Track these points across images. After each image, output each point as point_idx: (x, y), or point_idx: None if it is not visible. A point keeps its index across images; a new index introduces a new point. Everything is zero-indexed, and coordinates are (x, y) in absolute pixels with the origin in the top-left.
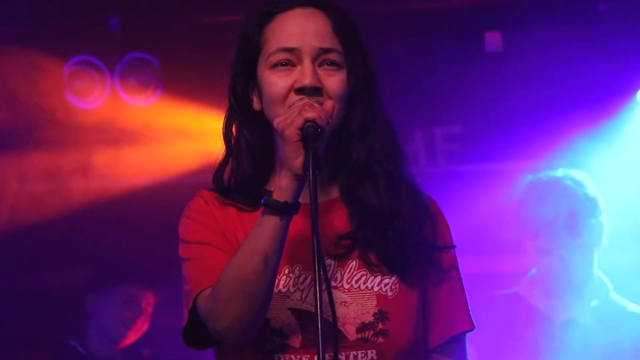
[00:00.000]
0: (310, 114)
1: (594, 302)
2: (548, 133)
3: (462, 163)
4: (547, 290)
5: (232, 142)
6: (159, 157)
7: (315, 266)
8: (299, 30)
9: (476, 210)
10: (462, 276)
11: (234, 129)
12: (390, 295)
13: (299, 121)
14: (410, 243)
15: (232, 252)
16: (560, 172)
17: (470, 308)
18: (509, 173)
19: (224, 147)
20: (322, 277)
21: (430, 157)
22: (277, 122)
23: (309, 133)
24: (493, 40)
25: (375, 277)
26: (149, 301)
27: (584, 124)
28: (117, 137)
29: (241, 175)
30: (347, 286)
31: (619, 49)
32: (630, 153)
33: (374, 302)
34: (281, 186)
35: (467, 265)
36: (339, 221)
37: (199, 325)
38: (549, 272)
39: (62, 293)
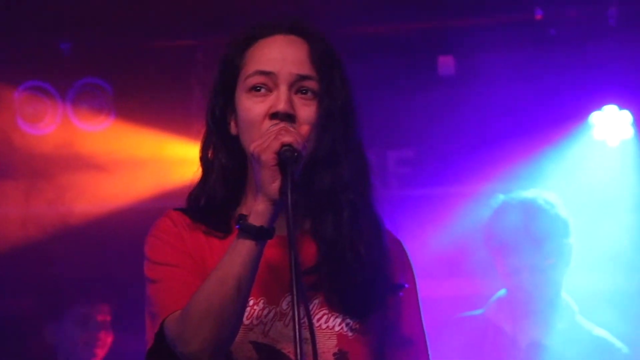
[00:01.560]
0: (287, 138)
1: (560, 325)
2: (501, 156)
3: (415, 186)
4: (514, 312)
5: (209, 165)
6: (113, 183)
7: (293, 290)
8: (278, 56)
9: (431, 234)
10: (424, 319)
11: (210, 152)
12: (351, 336)
13: (276, 145)
14: (367, 282)
15: (200, 275)
16: (532, 193)
17: (430, 353)
18: (462, 196)
19: (200, 169)
20: (301, 300)
21: (383, 180)
22: (253, 147)
23: (287, 157)
24: (446, 64)
25: (336, 317)
26: (104, 314)
27: (536, 147)
28: (69, 163)
29: (212, 198)
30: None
31: (570, 73)
32: (583, 176)
33: (334, 342)
34: (257, 211)
35: (431, 287)
36: (305, 255)
37: (164, 348)
38: (518, 293)
39: (14, 321)
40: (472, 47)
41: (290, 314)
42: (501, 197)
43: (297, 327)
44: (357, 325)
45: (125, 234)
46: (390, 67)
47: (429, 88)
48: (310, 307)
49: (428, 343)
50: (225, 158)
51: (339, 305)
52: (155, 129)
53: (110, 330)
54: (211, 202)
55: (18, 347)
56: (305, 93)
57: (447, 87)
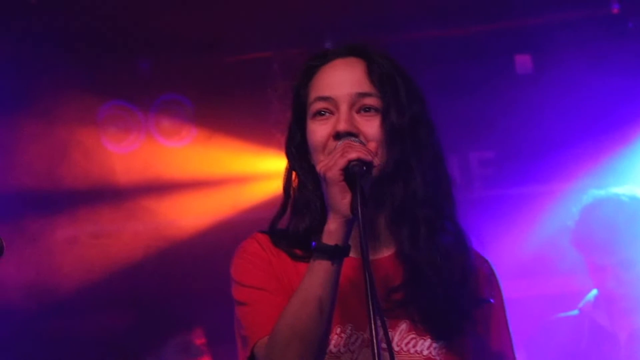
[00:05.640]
0: (352, 154)
1: None
2: (583, 153)
3: (498, 187)
4: (610, 309)
5: (293, 196)
6: (199, 199)
7: (368, 312)
8: (336, 80)
9: (517, 234)
10: (512, 335)
11: (293, 183)
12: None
13: (342, 162)
14: (450, 298)
15: (288, 299)
16: (616, 190)
17: None
18: (546, 195)
19: (282, 196)
20: (377, 321)
21: (466, 182)
22: (320, 166)
23: (355, 172)
24: (523, 62)
25: (425, 340)
26: (200, 337)
27: (620, 143)
28: (155, 180)
29: (297, 228)
30: (397, 349)
31: None
32: None
33: None
34: (330, 230)
35: (521, 287)
36: (394, 276)
37: None
38: (610, 290)
39: (106, 337)
40: (549, 44)
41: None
42: (589, 195)
43: (375, 348)
44: (444, 349)
45: (211, 250)
46: (468, 69)
47: (507, 87)
48: (398, 331)
49: (516, 357)
50: (307, 188)
51: (424, 326)
52: (236, 142)
53: (209, 352)
54: (296, 232)
55: None
56: (367, 111)
57: (526, 85)
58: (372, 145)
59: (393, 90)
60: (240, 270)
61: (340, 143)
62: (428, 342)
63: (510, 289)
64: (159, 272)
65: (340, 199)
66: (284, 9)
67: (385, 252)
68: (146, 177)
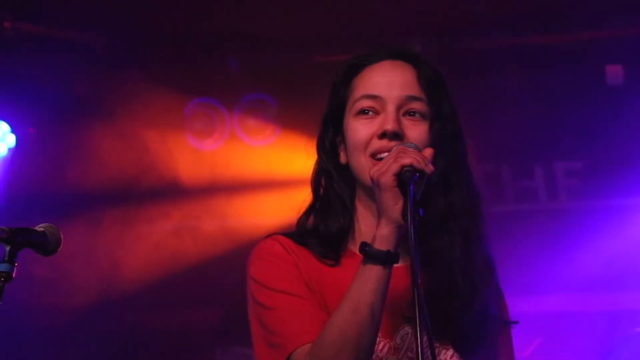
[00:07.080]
0: (406, 160)
1: None
2: None
3: (585, 199)
4: None
5: (321, 194)
6: (278, 198)
7: (416, 320)
8: (385, 80)
9: (603, 246)
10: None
11: (323, 182)
12: None
13: (395, 167)
14: (480, 313)
15: (321, 306)
16: None
17: None
18: (631, 208)
19: (310, 196)
20: (425, 327)
21: (551, 193)
22: (372, 171)
23: (407, 178)
24: (614, 73)
25: (447, 350)
26: None
27: None
28: (235, 178)
29: (329, 228)
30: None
31: None
32: None
33: None
34: (382, 235)
35: (601, 302)
36: (402, 286)
37: None
38: None
39: (176, 333)
40: None
41: (404, 347)
42: None
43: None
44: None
45: None
46: (558, 77)
47: (597, 98)
48: (423, 341)
49: None
50: (340, 187)
51: (449, 336)
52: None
53: None
54: (327, 232)
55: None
56: (413, 115)
57: (616, 96)
58: (427, 152)
59: (440, 99)
60: (266, 273)
61: (394, 147)
62: (450, 352)
63: (592, 301)
64: (235, 269)
65: (393, 204)
66: (373, 11)
67: (401, 262)
68: (227, 174)
